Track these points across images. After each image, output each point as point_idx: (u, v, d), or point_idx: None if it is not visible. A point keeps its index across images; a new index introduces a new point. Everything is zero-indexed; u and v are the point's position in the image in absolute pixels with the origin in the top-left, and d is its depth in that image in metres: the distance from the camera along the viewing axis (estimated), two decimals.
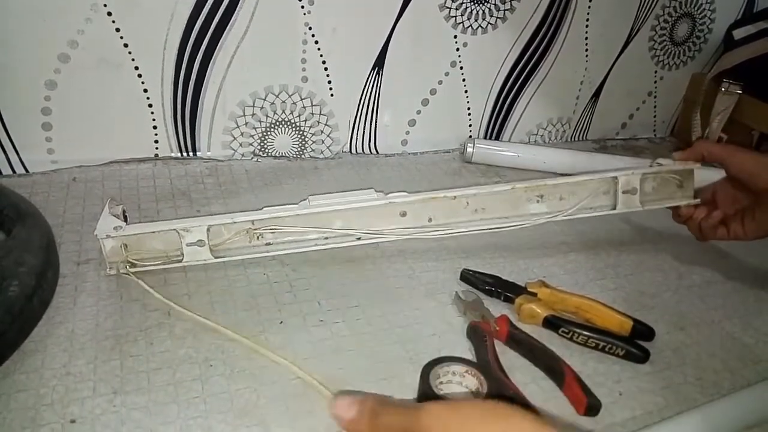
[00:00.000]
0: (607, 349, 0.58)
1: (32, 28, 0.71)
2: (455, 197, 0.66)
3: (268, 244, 0.64)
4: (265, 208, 0.63)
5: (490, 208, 0.68)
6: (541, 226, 0.79)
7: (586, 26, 1.00)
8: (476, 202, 0.67)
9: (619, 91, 1.10)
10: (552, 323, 0.60)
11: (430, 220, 0.67)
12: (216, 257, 0.63)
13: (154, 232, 0.61)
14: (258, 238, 0.64)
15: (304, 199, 0.64)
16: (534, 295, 0.63)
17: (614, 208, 0.70)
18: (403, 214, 0.66)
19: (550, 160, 0.97)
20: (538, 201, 0.69)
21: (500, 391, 0.51)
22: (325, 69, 0.87)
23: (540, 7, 0.94)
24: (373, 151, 0.97)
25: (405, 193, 0.66)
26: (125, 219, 0.64)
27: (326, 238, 0.65)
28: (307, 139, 0.92)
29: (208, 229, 0.62)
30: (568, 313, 0.62)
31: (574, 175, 0.70)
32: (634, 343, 0.58)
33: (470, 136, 1.02)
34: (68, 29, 0.73)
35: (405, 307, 0.63)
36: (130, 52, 0.77)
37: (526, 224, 0.68)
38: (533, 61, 0.99)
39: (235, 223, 0.62)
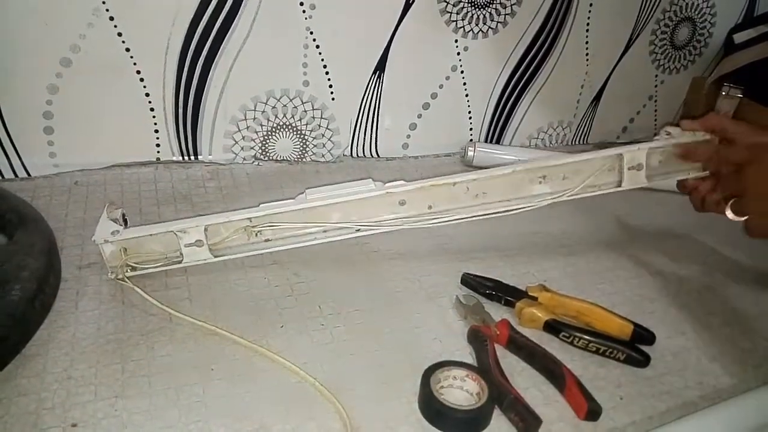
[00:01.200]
0: (607, 354, 0.58)
1: (34, 33, 0.72)
2: (455, 183, 0.65)
3: (267, 240, 0.64)
4: (261, 205, 0.63)
5: (492, 192, 0.66)
6: (540, 228, 0.79)
7: (587, 30, 1.00)
8: (477, 186, 0.65)
9: (620, 95, 1.10)
10: (553, 327, 0.60)
11: (430, 207, 0.65)
12: (216, 256, 0.63)
13: (151, 235, 0.61)
14: (256, 235, 0.63)
15: (301, 193, 0.64)
16: (534, 299, 0.63)
17: (620, 185, 0.68)
18: (402, 203, 0.65)
19: None
20: (540, 182, 0.67)
21: (501, 395, 0.51)
22: (326, 73, 0.87)
23: (541, 11, 0.94)
24: (374, 154, 0.97)
25: (403, 182, 0.64)
26: (125, 223, 0.64)
27: (325, 231, 0.65)
28: (308, 143, 0.92)
29: (205, 229, 0.61)
30: (568, 317, 0.62)
31: (577, 153, 0.68)
32: (634, 348, 0.59)
33: (471, 140, 1.02)
34: (70, 33, 0.73)
35: (406, 311, 0.63)
36: (132, 56, 0.77)
37: (530, 207, 0.66)
38: (534, 64, 0.99)
39: (231, 221, 0.62)
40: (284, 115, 0.89)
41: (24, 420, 0.46)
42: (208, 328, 0.57)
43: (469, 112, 1.00)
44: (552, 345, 0.59)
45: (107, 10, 0.73)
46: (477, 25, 0.92)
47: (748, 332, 0.65)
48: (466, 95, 0.98)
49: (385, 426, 0.49)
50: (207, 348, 0.55)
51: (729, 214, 0.63)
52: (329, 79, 0.88)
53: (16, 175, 0.79)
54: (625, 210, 0.88)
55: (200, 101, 0.83)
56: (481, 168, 0.96)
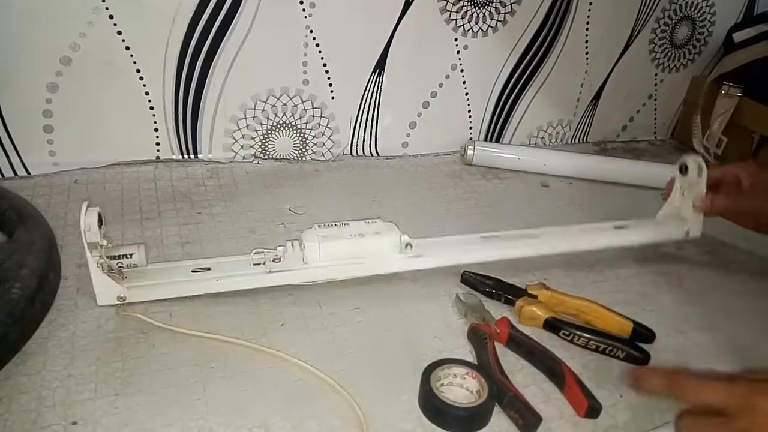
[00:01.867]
0: (607, 352, 0.58)
1: (34, 31, 0.72)
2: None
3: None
4: (268, 263, 0.61)
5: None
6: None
7: (587, 29, 1.00)
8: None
9: (620, 94, 1.10)
10: (552, 325, 0.60)
11: None
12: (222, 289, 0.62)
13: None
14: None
15: (310, 227, 0.62)
16: (534, 297, 0.63)
17: None
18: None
19: (551, 163, 0.97)
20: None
21: (501, 393, 0.51)
22: (326, 72, 0.87)
23: (540, 9, 0.94)
24: (374, 153, 0.98)
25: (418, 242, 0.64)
26: (100, 222, 0.62)
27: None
28: (308, 142, 0.92)
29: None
30: (568, 315, 0.62)
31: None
32: (634, 346, 0.59)
33: (471, 139, 1.02)
34: (70, 32, 0.73)
35: (406, 309, 0.63)
36: (131, 55, 0.77)
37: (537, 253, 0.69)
38: (534, 63, 0.99)
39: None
40: (284, 114, 0.89)
41: (24, 418, 0.46)
42: (208, 326, 0.57)
43: (469, 111, 1.00)
44: (552, 343, 0.59)
45: (107, 8, 0.73)
46: (477, 23, 0.92)
47: (748, 330, 0.65)
48: (466, 94, 0.98)
49: (386, 423, 0.49)
50: (207, 346, 0.55)
51: None
52: (329, 78, 0.88)
53: (15, 174, 0.79)
54: (624, 208, 0.88)
55: (200, 100, 0.83)
56: (480, 166, 0.97)
